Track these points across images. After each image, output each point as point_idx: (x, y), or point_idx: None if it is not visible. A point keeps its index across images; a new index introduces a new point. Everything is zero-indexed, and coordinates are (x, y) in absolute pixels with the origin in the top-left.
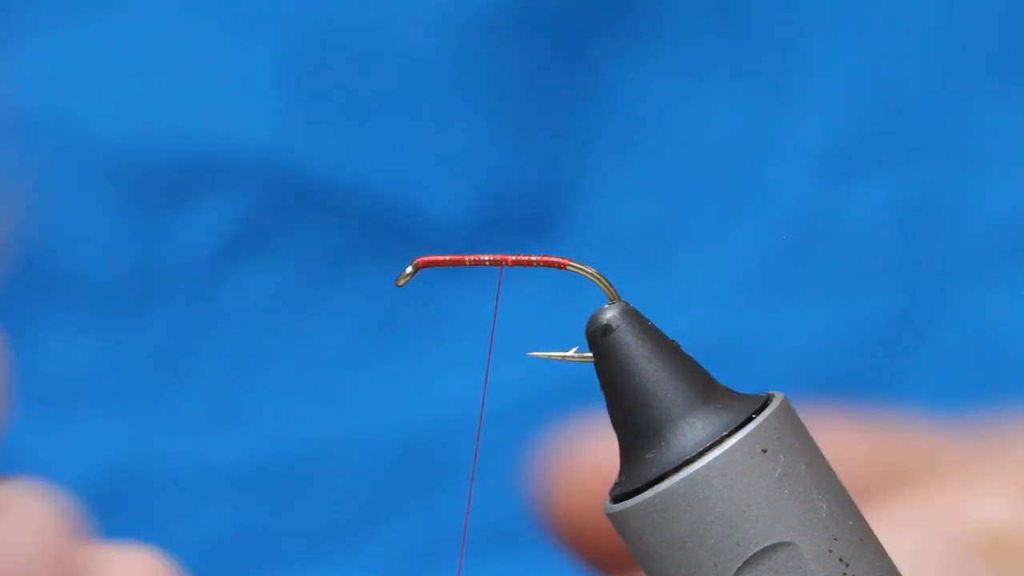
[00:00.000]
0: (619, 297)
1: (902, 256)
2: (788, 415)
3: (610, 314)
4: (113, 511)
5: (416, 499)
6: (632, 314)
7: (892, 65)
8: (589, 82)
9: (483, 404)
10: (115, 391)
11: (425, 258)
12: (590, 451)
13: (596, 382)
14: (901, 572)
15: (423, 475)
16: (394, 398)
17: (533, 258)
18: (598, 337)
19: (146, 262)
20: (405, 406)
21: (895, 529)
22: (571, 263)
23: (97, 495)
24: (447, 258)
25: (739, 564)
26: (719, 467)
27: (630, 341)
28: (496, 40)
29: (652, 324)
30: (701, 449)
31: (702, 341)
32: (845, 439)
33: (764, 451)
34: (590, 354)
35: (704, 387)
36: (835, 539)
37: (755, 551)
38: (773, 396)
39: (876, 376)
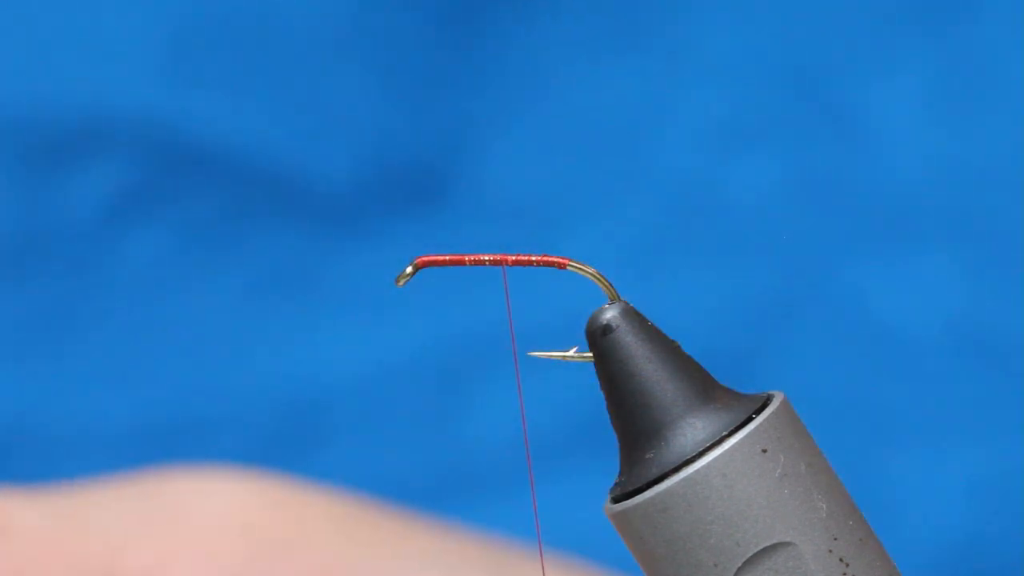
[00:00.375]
0: (619, 297)
1: (785, 231)
2: (788, 415)
3: (610, 314)
4: (1, 467)
5: (299, 460)
6: (632, 314)
7: (781, 40)
8: (480, 48)
9: (522, 409)
10: (2, 353)
11: (425, 258)
12: None
13: (596, 382)
14: None
15: (305, 436)
16: (279, 359)
17: (533, 258)
18: (598, 337)
19: (32, 224)
20: (289, 367)
21: None
22: (571, 263)
23: None
24: (447, 258)
25: (739, 564)
26: (719, 467)
27: (630, 341)
28: (386, 3)
29: (652, 324)
30: (701, 449)
31: (583, 310)
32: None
33: (764, 451)
34: (590, 354)
35: (704, 387)
36: (835, 539)
37: (755, 551)
38: (773, 396)
39: (753, 350)
